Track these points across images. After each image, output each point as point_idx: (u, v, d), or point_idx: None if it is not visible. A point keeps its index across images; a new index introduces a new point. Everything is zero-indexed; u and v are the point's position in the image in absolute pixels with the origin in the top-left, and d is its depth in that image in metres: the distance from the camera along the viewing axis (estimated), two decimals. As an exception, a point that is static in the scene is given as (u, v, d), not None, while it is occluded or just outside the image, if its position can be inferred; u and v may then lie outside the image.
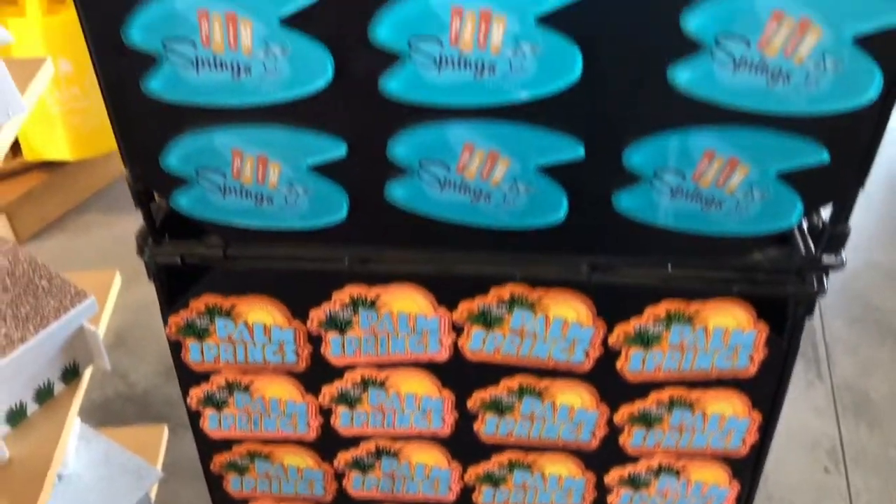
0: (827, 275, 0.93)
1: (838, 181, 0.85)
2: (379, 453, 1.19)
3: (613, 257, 0.94)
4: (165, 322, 1.05)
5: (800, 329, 0.97)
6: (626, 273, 0.94)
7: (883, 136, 0.81)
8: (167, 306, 1.04)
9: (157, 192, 0.94)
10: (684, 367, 1.02)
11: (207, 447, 1.21)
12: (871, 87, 0.77)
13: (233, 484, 1.26)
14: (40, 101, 2.15)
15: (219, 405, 1.14)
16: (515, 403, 1.09)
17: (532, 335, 1.01)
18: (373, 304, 1.01)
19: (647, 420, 1.09)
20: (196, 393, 1.13)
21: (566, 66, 0.79)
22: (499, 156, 0.86)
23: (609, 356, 1.02)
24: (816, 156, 0.82)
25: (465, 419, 1.13)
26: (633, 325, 0.99)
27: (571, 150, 0.85)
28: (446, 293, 1.00)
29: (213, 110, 0.85)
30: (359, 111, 0.85)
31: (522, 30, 0.77)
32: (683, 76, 0.78)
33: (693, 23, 0.75)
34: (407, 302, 1.01)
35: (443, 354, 1.06)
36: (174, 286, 1.03)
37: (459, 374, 1.07)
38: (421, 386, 1.09)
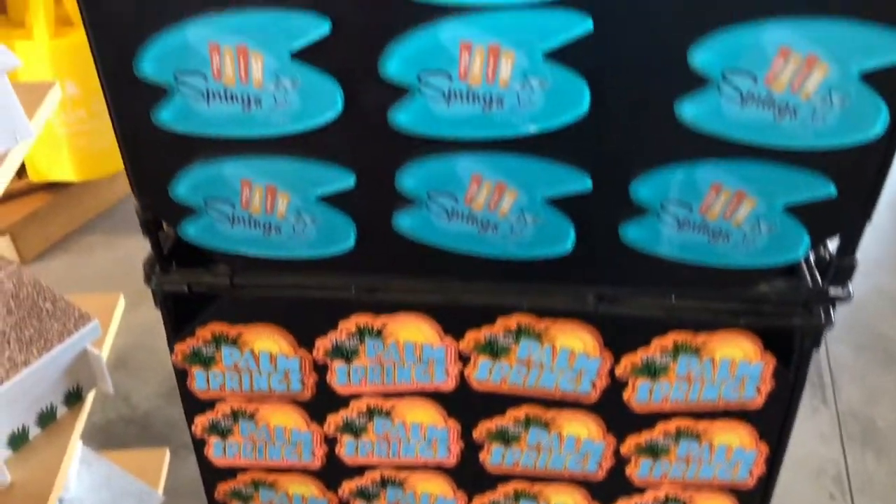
0: (834, 307, 0.93)
1: (845, 214, 0.85)
2: (384, 482, 1.19)
3: (620, 288, 0.94)
4: (172, 350, 1.05)
5: (807, 361, 0.97)
6: (633, 304, 0.94)
7: (889, 170, 0.82)
8: (173, 334, 1.04)
9: (166, 222, 0.95)
10: (691, 399, 1.02)
11: (212, 475, 1.21)
12: (878, 123, 0.77)
13: (236, 512, 1.26)
14: (46, 123, 2.17)
15: (224, 433, 1.14)
16: (522, 433, 1.09)
17: (539, 365, 1.01)
18: (379, 333, 1.01)
19: (653, 451, 1.08)
20: (201, 421, 1.13)
21: (574, 100, 0.80)
22: (506, 187, 0.87)
23: (616, 387, 1.02)
24: (823, 189, 0.83)
25: (471, 449, 1.12)
26: (640, 356, 0.99)
27: (579, 183, 0.86)
28: (453, 323, 1.00)
29: (223, 141, 0.85)
30: (368, 143, 0.85)
31: (531, 65, 0.77)
32: (691, 110, 0.79)
33: (700, 58, 0.76)
34: (413, 331, 1.01)
35: (449, 384, 1.05)
36: (180, 313, 1.03)
37: (465, 404, 1.07)
38: (427, 415, 1.09)
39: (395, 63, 0.78)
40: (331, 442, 1.14)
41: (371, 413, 1.10)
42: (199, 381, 1.08)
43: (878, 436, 1.88)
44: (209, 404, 1.11)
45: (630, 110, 0.81)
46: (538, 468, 1.13)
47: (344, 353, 1.04)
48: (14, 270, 1.47)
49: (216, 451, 1.17)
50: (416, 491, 1.19)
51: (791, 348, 0.97)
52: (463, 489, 1.18)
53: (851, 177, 0.82)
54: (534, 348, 1.00)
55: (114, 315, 1.54)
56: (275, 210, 0.91)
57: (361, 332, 1.01)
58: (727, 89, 0.77)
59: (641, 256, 0.90)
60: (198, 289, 0.98)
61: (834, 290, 0.91)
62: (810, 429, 1.88)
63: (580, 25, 0.75)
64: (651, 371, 1.00)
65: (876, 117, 0.77)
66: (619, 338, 0.98)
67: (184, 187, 0.89)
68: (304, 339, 1.03)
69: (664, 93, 0.79)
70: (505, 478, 1.16)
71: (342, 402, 1.09)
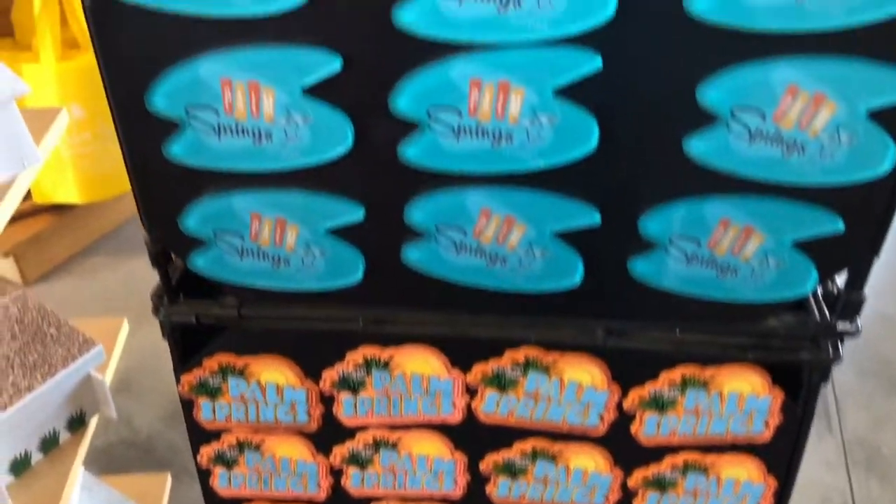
0: (842, 341, 0.93)
1: (853, 250, 0.85)
2: (389, 514, 1.18)
3: (628, 322, 0.94)
4: (178, 380, 1.05)
5: (815, 395, 0.96)
6: (641, 338, 0.94)
7: (897, 207, 0.82)
8: (180, 365, 1.04)
9: (175, 254, 0.95)
10: (699, 432, 1.02)
11: (216, 505, 1.20)
12: (886, 160, 0.78)
13: (240, 542, 1.25)
14: (52, 146, 2.18)
15: (229, 464, 1.13)
16: (528, 466, 1.08)
17: (546, 398, 1.01)
18: (386, 365, 1.01)
19: (661, 484, 1.08)
20: (207, 451, 1.12)
21: (583, 136, 0.80)
22: (515, 221, 0.87)
23: (624, 420, 1.02)
24: (831, 225, 0.83)
25: (478, 482, 1.11)
26: (647, 389, 0.99)
27: (587, 217, 0.86)
28: (460, 355, 1.00)
29: (234, 174, 0.86)
30: (377, 177, 0.86)
31: (540, 101, 0.78)
32: (699, 147, 0.79)
33: (709, 96, 0.76)
34: (420, 363, 1.01)
35: (456, 416, 1.05)
36: (188, 343, 1.03)
37: (472, 437, 1.06)
38: (433, 447, 1.08)
39: (406, 99, 0.79)
40: (336, 473, 1.13)
41: (377, 445, 1.09)
42: (206, 412, 1.08)
43: (884, 463, 1.87)
44: (215, 435, 1.10)
45: (639, 146, 0.81)
46: (545, 501, 1.12)
47: (351, 385, 1.03)
48: (19, 295, 1.47)
49: (221, 482, 1.16)
50: (422, 522, 1.18)
51: (799, 382, 0.97)
52: (469, 521, 1.18)
53: (859, 213, 0.82)
54: (541, 381, 1.00)
55: (118, 339, 1.54)
56: (284, 242, 0.91)
57: (368, 364, 1.01)
58: (735, 126, 0.78)
59: (650, 290, 0.90)
60: (206, 320, 0.98)
61: (842, 325, 0.91)
62: (816, 457, 1.87)
63: (589, 63, 0.75)
64: (659, 404, 1.00)
65: (884, 155, 0.77)
66: (627, 371, 0.98)
67: (194, 220, 0.90)
68: (311, 371, 1.03)
69: (673, 129, 0.79)
70: (511, 510, 1.15)
71: (348, 433, 1.08)
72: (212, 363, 1.03)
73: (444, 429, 1.07)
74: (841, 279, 0.91)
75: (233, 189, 0.87)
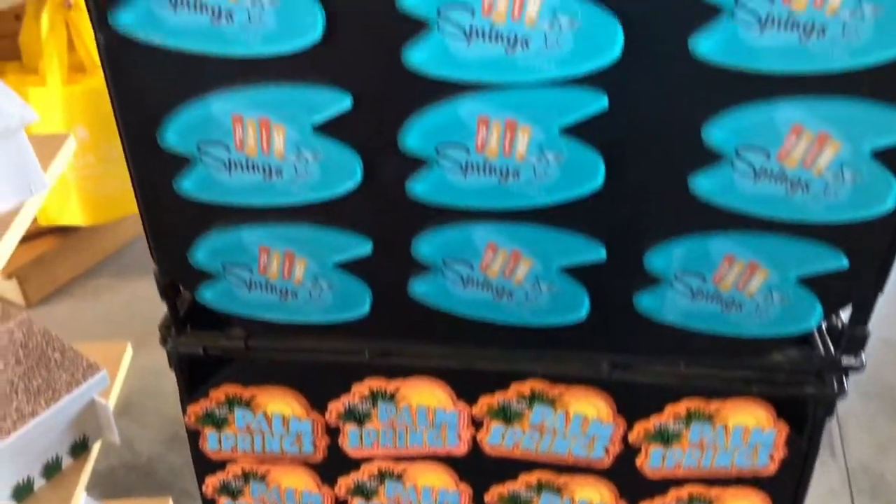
0: (847, 376, 0.93)
1: (857, 286, 0.86)
2: (394, 545, 1.18)
3: (634, 356, 0.95)
4: (184, 411, 1.05)
5: (820, 429, 0.97)
6: (647, 371, 0.95)
7: (901, 243, 0.83)
8: (187, 395, 1.04)
9: (184, 286, 0.96)
10: (704, 465, 1.02)
11: (220, 534, 1.20)
12: (889, 198, 0.78)
13: (243, 572, 1.24)
14: (58, 169, 2.19)
15: (234, 494, 1.13)
16: (534, 499, 1.08)
17: (552, 431, 1.01)
18: (392, 396, 1.01)
19: (666, 517, 1.08)
20: (212, 481, 1.12)
21: (589, 173, 0.81)
22: (521, 256, 0.88)
23: (629, 453, 1.02)
24: (836, 262, 0.84)
25: (482, 513, 1.11)
26: (653, 422, 0.99)
27: (593, 253, 0.87)
28: (466, 387, 1.00)
29: (243, 209, 0.87)
30: (385, 211, 0.86)
31: (547, 139, 0.79)
32: (704, 185, 0.80)
33: (714, 135, 0.77)
34: (426, 395, 1.01)
35: (461, 448, 1.05)
36: (194, 373, 1.03)
37: (478, 469, 1.06)
38: (438, 479, 1.08)
39: (414, 136, 0.80)
40: (341, 504, 1.13)
41: (382, 476, 1.09)
42: (212, 443, 1.08)
43: (888, 490, 1.86)
44: (220, 465, 1.10)
45: (644, 184, 0.82)
46: (550, 532, 1.12)
47: (356, 417, 1.04)
48: (24, 319, 1.48)
49: (225, 512, 1.16)
50: (427, 554, 1.18)
51: (804, 415, 0.97)
52: (473, 552, 1.17)
53: (863, 250, 0.83)
54: (547, 414, 1.00)
55: (121, 364, 1.54)
56: (292, 276, 0.91)
57: (374, 396, 1.01)
58: (740, 165, 0.79)
59: (655, 325, 0.91)
60: (213, 352, 0.98)
61: (847, 360, 0.92)
62: (820, 485, 1.87)
63: (596, 103, 0.76)
64: (664, 437, 1.00)
65: (887, 193, 0.78)
66: (633, 404, 0.98)
67: (203, 253, 0.90)
68: (317, 402, 1.03)
69: (678, 167, 0.80)
70: (516, 541, 1.15)
71: (354, 464, 1.08)
72: (218, 394, 1.03)
73: (449, 461, 1.07)
74: (845, 313, 0.91)
75: (242, 223, 0.88)
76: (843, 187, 0.78)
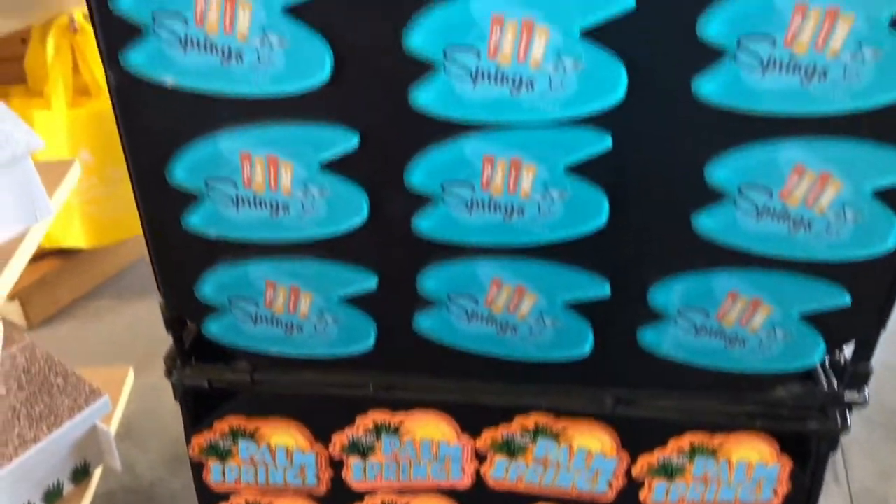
0: (850, 411, 0.93)
1: (860, 323, 0.86)
2: (396, 576, 1.17)
3: (637, 390, 0.95)
4: (188, 442, 1.05)
5: (823, 464, 0.97)
6: (650, 406, 0.95)
7: (903, 281, 0.83)
8: (191, 427, 1.04)
9: (190, 320, 0.96)
10: (707, 499, 1.02)
11: (222, 566, 1.19)
12: (891, 237, 0.79)
13: None
14: (62, 192, 2.20)
15: (237, 526, 1.13)
16: (537, 531, 1.08)
17: (556, 465, 1.01)
18: (396, 430, 1.01)
19: (670, 551, 1.07)
20: (215, 513, 1.12)
21: (593, 211, 0.82)
22: (526, 291, 0.88)
23: (632, 487, 1.02)
24: (838, 299, 0.84)
25: (486, 545, 1.11)
26: (656, 456, 0.99)
27: (598, 289, 0.87)
28: (470, 421, 1.00)
29: (250, 244, 0.87)
30: (391, 247, 0.87)
31: (551, 177, 0.80)
32: (707, 223, 0.81)
33: (717, 174, 0.78)
34: (430, 429, 1.01)
35: (465, 482, 1.05)
36: (199, 404, 1.03)
37: (481, 502, 1.06)
38: (442, 512, 1.09)
39: (420, 174, 0.81)
40: (344, 535, 1.13)
41: (386, 509, 1.09)
42: (215, 474, 1.08)
43: (892, 515, 1.86)
44: (224, 497, 1.10)
45: (648, 221, 0.83)
46: (553, 565, 1.12)
47: (360, 449, 1.04)
48: (27, 344, 1.48)
49: (228, 543, 1.16)
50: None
51: (808, 450, 0.97)
52: (476, 584, 1.17)
53: (866, 287, 0.83)
54: (551, 448, 1.00)
55: (123, 388, 1.54)
56: (297, 310, 0.92)
57: (378, 429, 1.02)
58: (743, 203, 0.79)
59: (658, 360, 0.91)
60: (218, 385, 0.99)
61: (850, 395, 0.92)
62: (824, 510, 1.86)
63: (600, 143, 0.77)
64: (667, 472, 1.00)
65: (888, 232, 0.79)
66: (636, 438, 0.99)
67: (209, 287, 0.91)
68: (321, 434, 1.03)
69: (681, 205, 0.81)
70: (519, 574, 1.14)
71: (357, 497, 1.08)
72: (223, 426, 1.03)
73: (452, 494, 1.07)
74: (848, 348, 0.92)
75: (248, 258, 0.89)
76: (845, 226, 0.79)
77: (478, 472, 1.04)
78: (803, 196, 0.78)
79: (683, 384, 0.93)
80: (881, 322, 0.86)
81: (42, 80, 2.32)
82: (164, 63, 0.76)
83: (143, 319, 2.54)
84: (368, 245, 0.87)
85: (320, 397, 1.00)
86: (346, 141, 0.79)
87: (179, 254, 0.89)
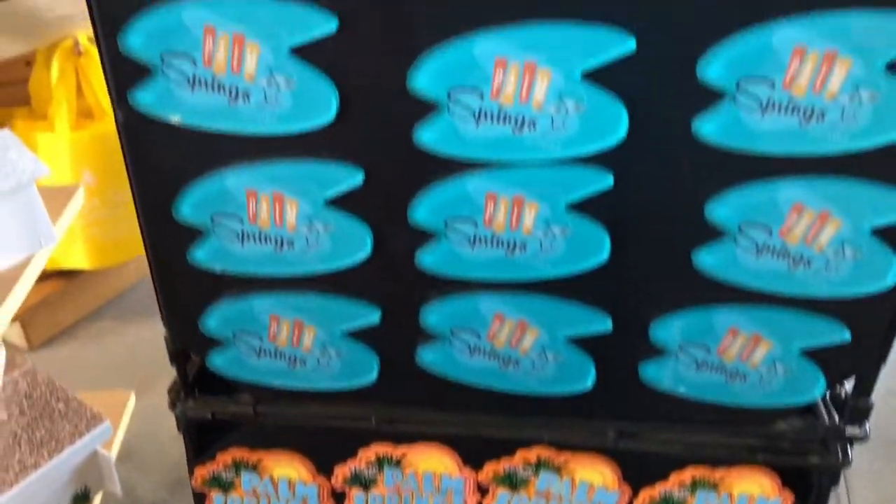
0: (851, 445, 0.93)
1: (860, 358, 0.87)
2: None
3: (639, 424, 0.95)
4: (191, 473, 1.05)
5: (825, 498, 0.97)
6: (652, 440, 0.95)
7: (903, 318, 0.84)
8: (194, 458, 1.04)
9: (194, 353, 0.96)
10: (710, 533, 1.02)
11: None
12: (889, 274, 0.80)
13: None
14: (64, 215, 2.21)
15: (238, 557, 1.13)
16: (539, 564, 1.08)
17: (558, 497, 1.01)
18: (398, 462, 1.02)
19: (671, 584, 1.07)
20: (216, 544, 1.12)
21: (595, 247, 0.82)
22: (528, 326, 0.89)
23: (634, 520, 1.02)
24: (838, 335, 0.85)
25: (487, 578, 1.11)
26: (658, 490, 0.99)
27: (599, 324, 0.88)
28: (472, 454, 1.00)
29: (254, 279, 0.88)
30: (394, 282, 0.88)
31: (553, 215, 0.80)
32: (708, 260, 0.82)
33: (717, 212, 0.79)
34: (432, 462, 1.01)
35: (467, 514, 1.05)
36: (202, 436, 1.04)
37: (483, 534, 1.06)
38: (444, 544, 1.08)
39: (423, 210, 0.82)
40: (345, 567, 1.13)
41: (388, 541, 1.09)
42: (217, 506, 1.08)
43: (894, 544, 1.84)
44: (225, 528, 1.10)
45: (649, 258, 0.83)
46: None
47: (362, 482, 1.04)
48: (29, 369, 1.48)
49: (229, 573, 1.15)
50: None
51: (809, 484, 0.97)
52: None
53: (865, 323, 0.84)
54: (553, 481, 1.00)
55: (124, 413, 1.54)
56: (301, 343, 0.93)
57: (381, 462, 1.02)
58: (743, 241, 0.80)
59: (660, 394, 0.92)
60: (222, 417, 0.99)
61: (850, 430, 0.92)
62: (825, 538, 1.85)
63: (601, 181, 0.78)
64: (669, 505, 1.00)
65: (887, 269, 0.80)
66: (638, 472, 0.99)
67: (214, 321, 0.91)
68: (324, 466, 1.03)
69: (682, 243, 0.82)
70: None
71: (359, 529, 1.08)
72: (225, 457, 1.03)
73: (454, 526, 1.07)
74: (849, 381, 0.92)
75: (253, 292, 0.89)
76: (844, 263, 0.80)
77: (480, 505, 1.04)
78: (803, 234, 0.79)
79: (685, 418, 0.94)
80: (881, 358, 0.87)
81: (46, 102, 2.34)
82: (172, 102, 0.77)
83: (145, 340, 2.53)
84: (372, 280, 0.87)
85: (323, 430, 1.00)
86: (350, 178, 0.80)
87: (185, 288, 0.90)
